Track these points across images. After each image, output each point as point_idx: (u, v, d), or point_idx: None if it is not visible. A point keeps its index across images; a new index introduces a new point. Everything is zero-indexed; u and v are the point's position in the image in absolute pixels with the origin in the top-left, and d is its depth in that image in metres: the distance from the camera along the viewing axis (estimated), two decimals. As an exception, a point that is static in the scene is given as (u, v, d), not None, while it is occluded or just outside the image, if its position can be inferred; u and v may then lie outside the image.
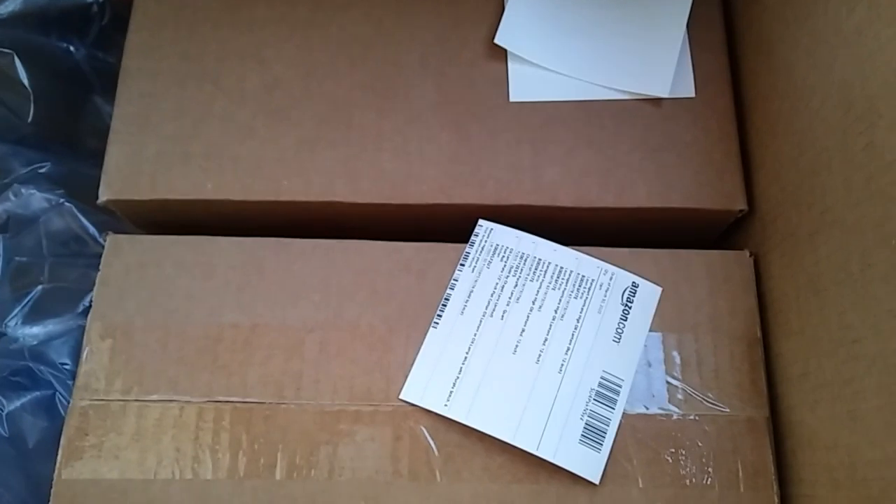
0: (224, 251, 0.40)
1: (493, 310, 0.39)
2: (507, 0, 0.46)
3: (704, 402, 0.37)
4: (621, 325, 0.38)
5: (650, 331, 0.38)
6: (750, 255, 0.40)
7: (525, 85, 0.44)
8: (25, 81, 0.47)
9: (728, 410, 0.37)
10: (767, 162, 0.40)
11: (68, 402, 0.37)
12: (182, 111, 0.43)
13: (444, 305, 0.39)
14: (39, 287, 0.43)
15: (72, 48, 0.51)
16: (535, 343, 0.38)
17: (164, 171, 0.42)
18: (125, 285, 0.39)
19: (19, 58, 0.47)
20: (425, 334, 0.38)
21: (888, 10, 0.30)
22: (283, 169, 0.42)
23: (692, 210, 0.42)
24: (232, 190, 0.42)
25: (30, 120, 0.46)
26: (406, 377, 0.37)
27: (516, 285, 0.39)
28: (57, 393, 0.40)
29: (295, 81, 0.44)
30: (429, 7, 0.46)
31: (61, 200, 0.45)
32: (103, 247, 0.40)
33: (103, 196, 0.41)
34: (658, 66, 0.44)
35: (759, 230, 0.41)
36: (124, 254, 0.40)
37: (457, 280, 0.39)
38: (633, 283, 0.39)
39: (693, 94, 0.44)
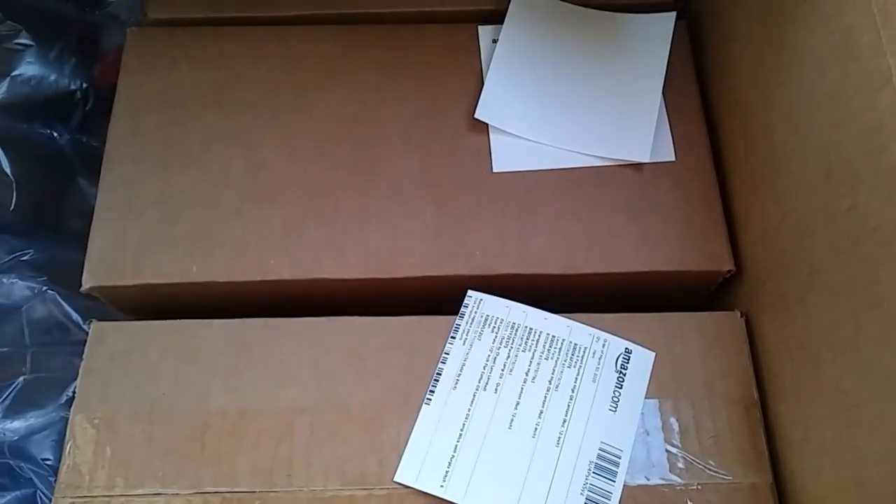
0: (210, 334, 0.39)
1: (487, 383, 0.38)
2: (485, 74, 0.47)
3: (706, 471, 0.36)
4: (617, 394, 0.38)
5: (646, 398, 0.38)
6: (741, 316, 0.40)
7: (507, 156, 0.45)
8: (8, 170, 0.47)
9: (730, 478, 0.36)
10: (752, 223, 0.41)
11: (50, 501, 0.35)
12: (166, 196, 0.43)
13: (437, 380, 0.38)
14: (21, 378, 0.42)
15: (55, 134, 0.51)
16: (531, 416, 0.37)
17: (149, 256, 0.41)
18: (109, 374, 0.38)
19: (2, 147, 0.47)
20: (418, 412, 0.38)
21: (858, 74, 0.31)
22: (270, 249, 0.42)
23: (679, 272, 0.42)
24: (218, 272, 0.41)
25: (12, 208, 0.46)
26: (400, 458, 0.36)
27: (508, 356, 0.39)
28: (38, 491, 0.39)
29: (280, 163, 0.44)
30: (411, 84, 0.47)
31: (44, 288, 0.44)
32: (87, 334, 0.39)
33: (87, 283, 0.41)
34: (637, 131, 0.44)
35: (748, 291, 0.41)
36: (109, 341, 0.39)
37: (448, 353, 0.39)
38: (627, 349, 0.39)
39: (673, 158, 0.44)
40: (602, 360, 0.39)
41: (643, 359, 0.39)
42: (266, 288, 0.42)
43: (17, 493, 0.38)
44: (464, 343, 0.39)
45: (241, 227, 0.43)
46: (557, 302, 0.41)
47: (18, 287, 0.44)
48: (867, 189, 0.30)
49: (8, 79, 0.49)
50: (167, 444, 0.37)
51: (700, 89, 0.47)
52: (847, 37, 0.32)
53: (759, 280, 0.40)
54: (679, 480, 0.36)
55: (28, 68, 0.50)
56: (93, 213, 0.42)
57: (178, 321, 0.40)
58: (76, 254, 0.42)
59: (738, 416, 0.37)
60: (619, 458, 0.36)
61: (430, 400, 0.38)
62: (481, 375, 0.38)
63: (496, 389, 0.38)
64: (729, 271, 0.42)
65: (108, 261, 0.41)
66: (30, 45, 0.49)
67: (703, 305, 0.45)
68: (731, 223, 0.43)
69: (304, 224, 0.43)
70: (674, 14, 0.48)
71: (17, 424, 0.40)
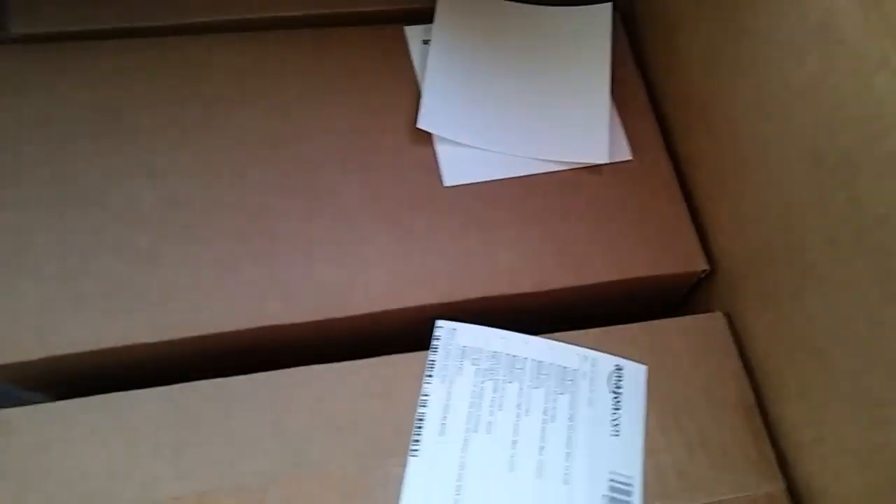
0: (146, 407, 0.33)
1: (477, 423, 0.34)
2: (421, 80, 0.43)
3: (719, 486, 0.34)
4: (616, 415, 0.35)
5: (646, 415, 0.35)
6: (723, 316, 0.39)
7: (457, 167, 0.41)
8: None
9: (746, 491, 0.34)
10: (723, 219, 0.39)
11: None
12: (65, 245, 0.36)
13: (420, 427, 0.34)
14: None
15: None
16: (531, 453, 0.34)
17: (53, 321, 0.34)
18: (26, 475, 0.31)
19: None
20: (405, 466, 0.33)
21: (845, 58, 0.29)
22: (201, 297, 0.36)
23: (654, 277, 0.40)
24: (142, 331, 0.35)
25: None
26: (395, 523, 0.32)
27: (496, 390, 0.35)
28: None
29: (196, 193, 0.38)
30: (338, 94, 0.42)
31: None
32: (-15, 428, 0.32)
33: (-23, 364, 0.33)
34: (592, 131, 0.42)
35: (725, 289, 0.40)
36: (18, 432, 0.32)
37: (427, 395, 0.35)
38: (617, 365, 0.37)
39: (630, 157, 0.42)
40: (594, 380, 0.36)
41: (636, 374, 0.36)
42: (203, 344, 0.36)
43: None
44: (442, 381, 0.35)
45: (163, 274, 0.36)
46: (529, 322, 0.38)
47: None
48: (868, 178, 0.29)
49: None
50: (109, 550, 0.30)
51: (644, 83, 0.45)
52: (826, 20, 0.30)
53: (739, 277, 0.38)
54: (694, 501, 0.34)
55: None
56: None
57: (103, 396, 0.33)
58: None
59: (740, 423, 0.36)
60: (632, 485, 0.34)
61: (416, 451, 0.33)
62: (469, 415, 0.34)
63: (488, 429, 0.34)
64: (704, 271, 0.40)
65: (3, 334, 0.34)
66: None
67: (678, 306, 0.44)
68: (697, 220, 0.41)
69: (239, 263, 0.37)
70: (610, 5, 0.46)
71: None
